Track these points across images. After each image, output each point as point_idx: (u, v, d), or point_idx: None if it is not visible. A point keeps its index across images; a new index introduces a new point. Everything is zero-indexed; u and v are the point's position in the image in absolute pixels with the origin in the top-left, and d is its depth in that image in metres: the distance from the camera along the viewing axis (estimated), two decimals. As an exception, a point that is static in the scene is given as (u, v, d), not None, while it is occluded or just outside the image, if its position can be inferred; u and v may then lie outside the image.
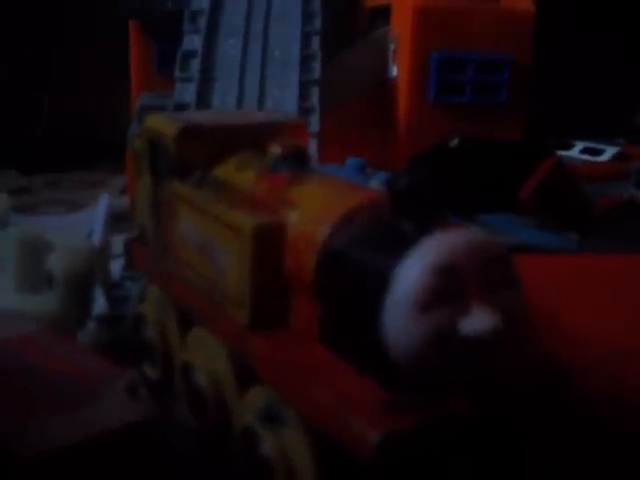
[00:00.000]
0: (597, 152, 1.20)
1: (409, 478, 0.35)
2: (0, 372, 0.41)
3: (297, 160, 0.45)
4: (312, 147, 0.96)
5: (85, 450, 0.35)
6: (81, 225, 0.75)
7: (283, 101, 1.02)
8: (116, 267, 0.68)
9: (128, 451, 0.37)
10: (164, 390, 0.52)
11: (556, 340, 0.46)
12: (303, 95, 1.01)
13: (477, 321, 0.32)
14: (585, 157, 1.19)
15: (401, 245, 0.34)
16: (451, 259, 0.33)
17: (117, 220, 0.77)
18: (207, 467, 0.45)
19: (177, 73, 1.02)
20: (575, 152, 1.21)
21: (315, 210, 0.40)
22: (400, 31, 1.12)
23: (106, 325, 0.58)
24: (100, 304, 0.58)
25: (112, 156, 1.17)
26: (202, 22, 1.05)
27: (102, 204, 0.65)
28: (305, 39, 1.06)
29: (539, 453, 0.40)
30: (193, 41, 1.06)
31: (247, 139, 0.48)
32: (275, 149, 0.45)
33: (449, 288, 0.33)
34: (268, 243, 0.40)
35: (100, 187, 1.22)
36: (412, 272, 0.33)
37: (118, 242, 0.70)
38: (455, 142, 0.85)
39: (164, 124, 0.50)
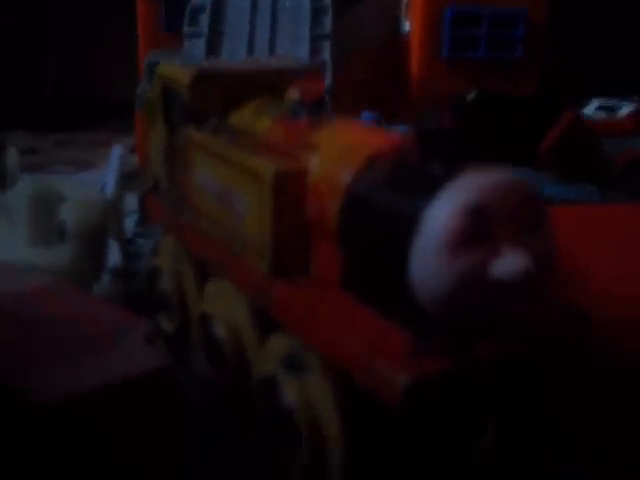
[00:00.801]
0: (613, 109, 1.17)
1: (436, 423, 0.35)
2: (17, 323, 0.41)
3: (316, 105, 0.43)
4: (325, 101, 0.95)
5: (103, 397, 0.35)
6: (91, 184, 0.74)
7: (294, 55, 1.00)
8: (129, 224, 0.67)
9: (146, 398, 0.36)
10: (180, 342, 0.52)
11: (580, 288, 0.45)
12: (314, 50, 0.99)
13: (509, 263, 0.31)
14: (601, 114, 1.17)
15: (429, 187, 0.33)
16: (481, 200, 0.32)
17: (128, 178, 0.75)
18: (225, 417, 0.45)
19: (186, 28, 1.01)
20: (591, 109, 1.19)
21: (337, 154, 0.39)
22: (413, -16, 1.09)
23: (121, 278, 0.57)
24: (114, 257, 0.57)
25: (121, 115, 1.15)
26: (211, -25, 1.03)
27: (115, 155, 0.63)
28: (316, -9, 1.04)
29: (560, 400, 0.39)
30: (202, -5, 1.04)
31: (263, 85, 0.47)
32: (293, 94, 0.44)
33: (479, 229, 0.32)
34: (289, 189, 0.39)
35: (107, 147, 1.21)
36: (442, 213, 0.31)
37: (129, 200, 0.69)
38: (472, 95, 0.83)
39: (178, 71, 0.48)
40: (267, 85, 0.47)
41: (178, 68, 0.49)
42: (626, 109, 1.16)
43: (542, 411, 0.38)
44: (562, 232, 0.47)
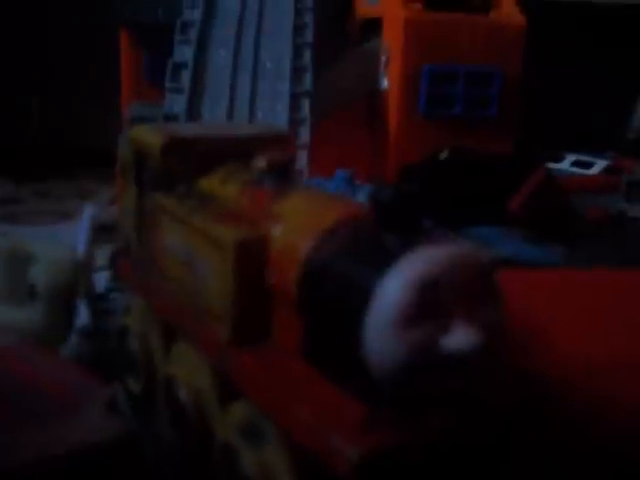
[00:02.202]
0: (587, 165, 1.20)
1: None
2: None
3: (282, 173, 0.44)
4: (302, 158, 0.96)
5: (64, 465, 0.35)
6: (69, 235, 0.75)
7: (274, 113, 1.02)
8: (102, 279, 0.68)
9: (108, 466, 0.36)
10: (146, 404, 0.52)
11: (540, 355, 0.46)
12: (294, 107, 1.01)
13: (459, 337, 0.32)
14: (575, 170, 1.19)
15: (383, 260, 0.34)
16: (433, 275, 0.33)
17: (105, 231, 0.76)
18: (188, 481, 0.45)
19: (168, 84, 1.02)
20: (566, 165, 1.22)
21: (298, 224, 0.39)
22: (391, 43, 1.12)
23: (89, 338, 0.57)
24: (83, 317, 0.58)
25: (102, 164, 1.17)
26: (193, 33, 1.05)
27: (86, 215, 0.64)
28: (296, 51, 1.06)
29: (520, 471, 0.39)
30: (184, 52, 1.06)
31: (233, 152, 0.48)
32: (260, 162, 0.45)
33: (430, 304, 0.32)
34: (250, 257, 0.40)
35: (89, 197, 1.22)
36: (393, 288, 0.32)
37: (106, 253, 0.70)
38: (445, 154, 0.85)
39: (150, 135, 0.50)
40: (238, 152, 0.48)
41: (150, 133, 0.50)
42: (599, 165, 1.18)
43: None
44: (525, 296, 0.49)
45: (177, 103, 1.01)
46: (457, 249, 0.34)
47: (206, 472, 0.43)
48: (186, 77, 1.03)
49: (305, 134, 0.99)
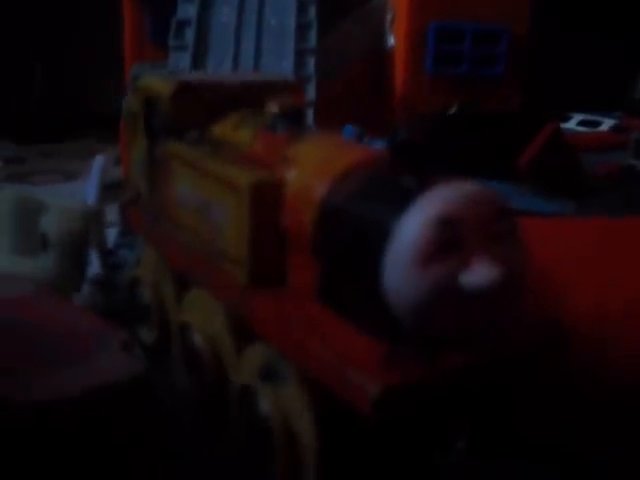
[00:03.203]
0: (594, 124, 1.19)
1: (406, 433, 0.35)
2: (-3, 331, 0.41)
3: (294, 119, 0.44)
4: (308, 116, 0.96)
5: (80, 403, 0.35)
6: (75, 194, 0.74)
7: (279, 70, 1.01)
8: (111, 235, 0.68)
9: (123, 406, 0.37)
10: (160, 353, 0.52)
11: (553, 300, 0.46)
12: (299, 64, 1.00)
13: (479, 274, 0.32)
14: (582, 129, 1.19)
15: (401, 199, 0.33)
16: (452, 212, 0.32)
17: (111, 189, 0.76)
18: (203, 426, 0.45)
19: (172, 42, 1.01)
20: (572, 124, 1.21)
21: (313, 167, 0.39)
22: (397, 0, 1.10)
23: (101, 288, 0.57)
24: (95, 267, 0.58)
25: (105, 126, 1.16)
26: (197, -10, 1.04)
27: (97, 166, 0.64)
28: (301, 7, 1.05)
29: (533, 411, 0.40)
30: (187, 10, 1.04)
31: (244, 98, 0.48)
32: (273, 107, 0.44)
33: (450, 241, 0.32)
34: (266, 200, 0.39)
35: (93, 157, 1.21)
36: (413, 225, 0.32)
37: (112, 211, 0.69)
38: (453, 109, 0.84)
39: (160, 83, 0.49)
40: (248, 98, 0.48)
41: (160, 80, 0.50)
42: (607, 124, 1.17)
43: (512, 422, 0.39)
44: (537, 244, 0.48)
45: (182, 61, 1.00)
46: (475, 188, 0.34)
47: (222, 416, 0.44)
48: (190, 35, 1.02)
49: (311, 91, 0.98)
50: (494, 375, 0.35)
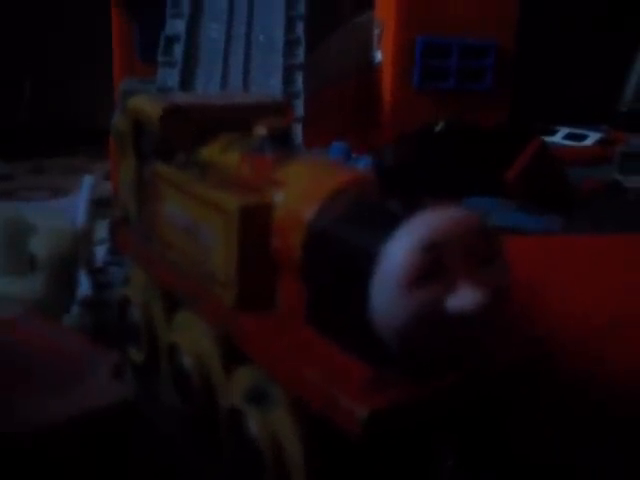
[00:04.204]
0: (580, 138, 1.20)
1: (395, 453, 0.36)
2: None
3: (282, 141, 0.44)
4: (297, 132, 0.96)
5: (70, 429, 0.35)
6: (64, 211, 0.75)
7: (267, 86, 1.01)
8: (100, 252, 0.68)
9: (113, 431, 0.37)
10: (149, 374, 0.52)
11: (538, 318, 0.46)
12: (287, 80, 1.01)
13: (463, 298, 0.32)
14: (568, 142, 1.20)
15: (388, 223, 0.34)
16: (437, 237, 0.33)
17: (100, 206, 0.76)
18: (193, 448, 0.45)
19: (160, 57, 1.02)
20: (558, 138, 1.22)
21: (301, 190, 0.40)
22: (384, 16, 1.11)
23: (90, 308, 0.57)
24: (84, 287, 0.58)
25: (95, 141, 1.16)
26: (185, 6, 1.04)
27: (85, 185, 0.64)
28: (289, 24, 1.06)
29: (522, 428, 0.40)
30: (176, 25, 1.05)
31: (232, 120, 0.48)
32: (260, 130, 0.45)
33: (435, 265, 0.33)
34: (254, 223, 0.40)
35: (83, 173, 1.21)
36: (399, 250, 0.33)
37: (102, 228, 0.69)
38: (441, 125, 0.85)
39: (149, 104, 0.49)
40: (236, 120, 0.48)
41: (149, 102, 0.50)
42: (593, 138, 1.19)
43: (502, 439, 0.39)
44: (524, 262, 0.49)
45: (170, 77, 1.01)
46: (460, 213, 0.34)
47: (212, 439, 0.44)
48: (179, 50, 1.03)
49: (299, 107, 0.98)
50: (481, 393, 0.36)
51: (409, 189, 0.36)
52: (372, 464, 0.36)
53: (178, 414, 0.47)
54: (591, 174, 0.93)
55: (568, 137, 1.21)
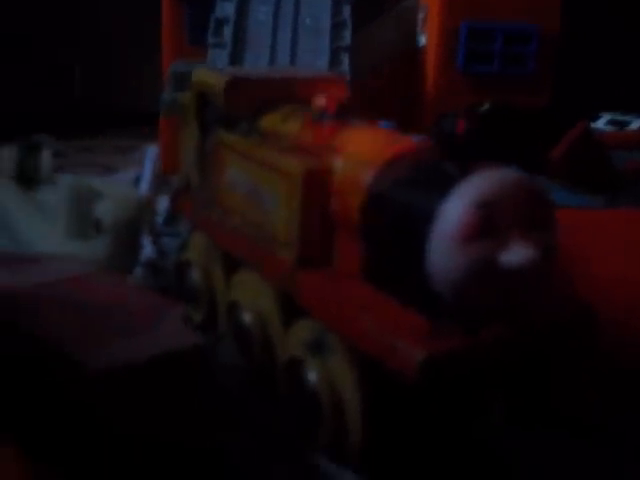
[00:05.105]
0: (623, 124, 1.20)
1: (447, 404, 0.38)
2: (61, 306, 0.44)
3: (341, 112, 0.47)
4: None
5: (146, 369, 0.38)
6: (115, 185, 0.78)
7: (314, 68, 1.04)
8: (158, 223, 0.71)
9: (185, 374, 0.40)
10: (208, 332, 0.55)
11: (583, 285, 0.48)
12: (334, 61, 1.03)
13: (515, 253, 0.35)
14: (611, 128, 1.20)
15: (443, 184, 0.36)
16: (491, 196, 0.35)
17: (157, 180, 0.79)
18: (253, 399, 0.48)
19: (210, 39, 1.05)
20: (601, 124, 1.22)
21: (360, 155, 0.42)
22: (429, 0, 1.13)
23: (153, 271, 0.60)
24: (147, 251, 0.61)
25: (145, 122, 1.19)
26: (235, -11, 1.07)
27: (149, 156, 0.67)
28: (336, 7, 1.08)
29: (566, 387, 0.42)
30: (225, 8, 1.08)
31: (292, 92, 0.51)
32: (320, 101, 0.47)
33: (489, 223, 0.35)
34: (316, 186, 0.42)
35: (132, 152, 1.25)
36: (454, 209, 0.35)
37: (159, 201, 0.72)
38: (486, 107, 0.87)
39: (213, 77, 0.52)
40: (297, 92, 0.51)
41: (213, 74, 0.53)
42: (636, 124, 1.19)
43: (548, 395, 0.41)
44: (570, 232, 0.51)
45: (219, 58, 1.04)
46: (513, 174, 0.37)
47: (271, 391, 0.46)
48: (228, 33, 1.05)
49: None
50: (529, 348, 0.38)
51: (467, 151, 0.38)
52: (425, 413, 0.39)
53: (237, 370, 0.50)
54: (634, 157, 0.93)
55: (611, 123, 1.21)
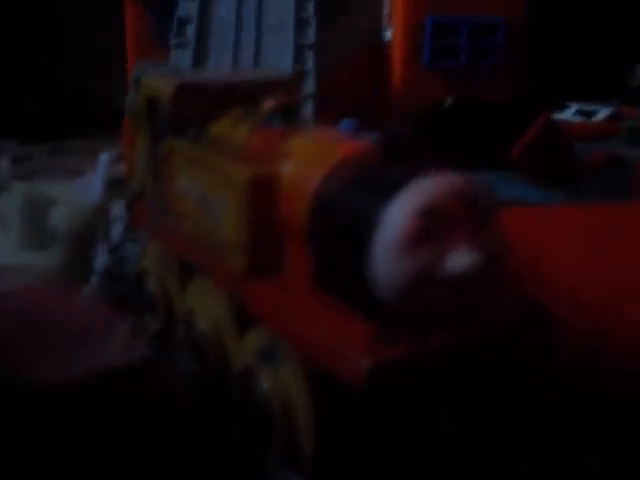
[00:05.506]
0: (590, 113, 1.21)
1: (396, 409, 0.38)
2: (8, 319, 0.43)
3: (290, 114, 0.46)
4: (308, 110, 0.98)
5: (97, 385, 0.37)
6: (82, 190, 0.77)
7: (278, 65, 1.03)
8: (115, 230, 0.70)
9: (132, 388, 0.39)
10: (165, 341, 0.54)
11: (538, 286, 0.48)
12: (298, 59, 1.02)
13: (459, 258, 0.34)
14: (578, 118, 1.20)
15: (388, 189, 0.36)
16: (435, 202, 0.35)
17: (115, 185, 0.78)
18: (207, 407, 0.47)
19: (173, 39, 1.04)
20: (569, 114, 1.23)
21: (308, 160, 0.42)
22: (393, -6, 1.12)
23: (108, 280, 0.60)
24: (102, 259, 0.60)
25: (110, 124, 1.18)
26: (196, -13, 1.06)
27: (102, 163, 0.66)
28: (299, 4, 1.07)
29: (518, 388, 0.42)
30: (188, 7, 1.07)
31: (242, 95, 0.50)
32: (269, 104, 0.47)
33: (433, 228, 0.35)
34: (262, 192, 0.42)
35: (99, 154, 1.24)
36: (397, 214, 0.35)
37: (117, 206, 0.71)
38: (448, 101, 0.87)
39: (161, 82, 0.51)
40: (246, 96, 0.50)
41: (161, 79, 0.52)
42: (602, 114, 1.19)
43: (498, 398, 0.41)
44: (521, 231, 0.51)
45: (183, 58, 1.03)
46: (456, 179, 0.36)
47: (225, 399, 0.46)
48: (191, 32, 1.04)
49: (311, 86, 1.00)
50: (478, 352, 0.38)
51: (411, 157, 0.37)
52: (374, 419, 0.39)
53: (194, 377, 0.50)
54: (599, 148, 0.94)
55: (579, 113, 1.21)
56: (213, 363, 0.47)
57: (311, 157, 0.42)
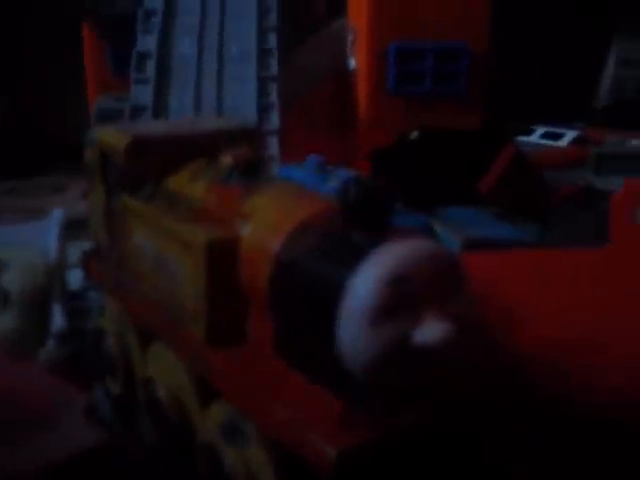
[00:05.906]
0: (557, 136, 1.21)
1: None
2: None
3: (249, 170, 0.44)
4: (273, 144, 0.96)
5: (45, 476, 0.35)
6: (40, 233, 0.74)
7: (241, 98, 1.01)
8: (75, 277, 0.67)
9: (89, 474, 0.37)
10: (127, 404, 0.52)
11: (514, 336, 0.46)
12: (262, 92, 1.01)
13: (430, 331, 0.32)
14: (545, 142, 1.20)
15: (352, 257, 0.34)
16: (402, 270, 0.33)
17: (76, 226, 0.75)
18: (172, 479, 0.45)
19: (133, 74, 1.01)
20: (535, 137, 1.23)
21: (268, 222, 0.39)
22: (357, 22, 1.11)
23: (65, 341, 0.57)
24: (58, 320, 0.57)
25: (71, 158, 1.15)
26: (156, 22, 1.04)
27: (55, 217, 0.64)
28: (262, 35, 1.05)
29: (496, 456, 0.40)
30: (147, 41, 1.04)
31: (199, 149, 0.48)
32: (227, 159, 0.44)
33: (401, 299, 0.33)
34: (221, 257, 0.40)
35: (61, 192, 1.21)
36: (363, 285, 0.33)
37: (78, 250, 0.69)
38: (415, 134, 0.85)
39: (114, 136, 0.49)
40: (205, 148, 0.48)
41: (114, 134, 0.50)
42: (569, 136, 1.19)
43: (479, 457, 0.39)
44: (493, 278, 0.49)
45: (143, 94, 1.00)
46: (424, 244, 0.34)
47: (190, 471, 0.44)
48: (151, 67, 1.02)
49: (274, 119, 0.98)
50: (450, 426, 0.36)
51: (374, 220, 0.36)
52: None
53: (156, 446, 0.47)
54: (567, 177, 0.93)
55: (545, 136, 1.21)
56: (176, 433, 0.45)
57: (271, 218, 0.40)
